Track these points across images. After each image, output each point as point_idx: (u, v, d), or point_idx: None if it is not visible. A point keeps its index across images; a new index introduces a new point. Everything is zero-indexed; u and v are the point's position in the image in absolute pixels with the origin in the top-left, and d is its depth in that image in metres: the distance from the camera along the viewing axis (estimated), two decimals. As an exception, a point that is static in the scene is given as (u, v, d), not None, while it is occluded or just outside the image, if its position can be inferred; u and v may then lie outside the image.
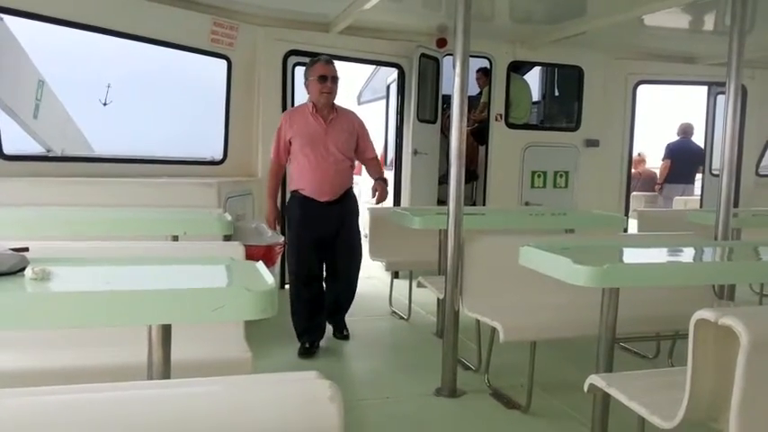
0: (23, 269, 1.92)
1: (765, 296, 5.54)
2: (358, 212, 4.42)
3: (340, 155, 4.13)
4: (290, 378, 1.31)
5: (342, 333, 4.50)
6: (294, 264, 4.26)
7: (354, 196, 4.38)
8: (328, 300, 4.36)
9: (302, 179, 4.14)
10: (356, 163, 4.46)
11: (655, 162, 10.20)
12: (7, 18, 4.89)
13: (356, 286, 4.48)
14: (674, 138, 9.17)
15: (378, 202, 4.38)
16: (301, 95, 6.07)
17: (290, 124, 4.16)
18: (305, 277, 4.21)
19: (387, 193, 4.36)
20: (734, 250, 3.49)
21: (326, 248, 4.24)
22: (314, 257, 4.23)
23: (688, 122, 9.09)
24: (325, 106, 4.13)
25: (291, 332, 4.20)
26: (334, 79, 4.13)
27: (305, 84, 4.23)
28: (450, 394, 3.53)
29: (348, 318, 4.57)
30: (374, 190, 4.32)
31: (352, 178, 4.36)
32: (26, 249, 2.05)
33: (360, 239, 4.41)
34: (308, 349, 4.15)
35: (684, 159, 8.93)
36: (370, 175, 4.48)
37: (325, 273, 4.35)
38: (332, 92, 4.12)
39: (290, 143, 4.15)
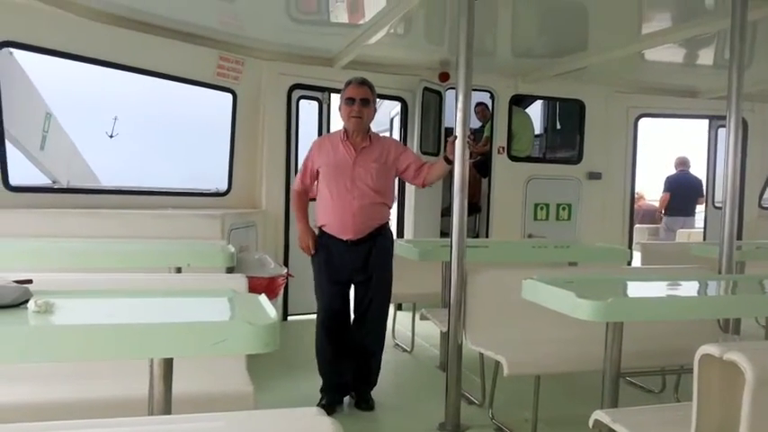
0: (26, 302, 1.92)
1: (772, 329, 5.49)
2: (390, 253, 3.87)
3: (368, 189, 3.68)
4: (292, 415, 1.30)
5: (367, 403, 3.82)
6: (318, 306, 3.86)
7: (388, 235, 3.86)
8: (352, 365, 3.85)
9: (325, 214, 3.76)
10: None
11: (655, 195, 10.24)
12: (16, 52, 4.98)
13: (382, 340, 3.89)
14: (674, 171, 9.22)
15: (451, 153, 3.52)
16: (305, 129, 6.18)
17: (318, 152, 3.82)
18: (328, 321, 3.80)
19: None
20: (738, 284, 3.47)
21: (354, 292, 3.86)
22: (336, 301, 3.78)
23: (684, 156, 9.15)
24: (356, 132, 3.73)
25: (294, 364, 4.17)
26: (365, 102, 3.71)
27: (339, 108, 3.87)
28: (454, 429, 3.48)
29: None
30: (448, 150, 3.59)
31: (386, 216, 3.86)
32: (29, 282, 2.06)
33: (388, 286, 3.85)
34: (325, 407, 3.66)
35: (683, 192, 8.96)
36: (438, 169, 3.79)
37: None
38: (361, 115, 3.70)
39: (318, 172, 3.80)
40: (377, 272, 3.76)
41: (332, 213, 3.72)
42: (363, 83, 3.76)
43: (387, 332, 5.23)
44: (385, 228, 3.84)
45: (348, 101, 3.71)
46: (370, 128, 3.82)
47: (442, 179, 4.20)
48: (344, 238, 3.70)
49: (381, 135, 3.97)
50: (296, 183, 3.98)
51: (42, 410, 2.30)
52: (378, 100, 4.20)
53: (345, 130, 3.77)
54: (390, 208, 3.93)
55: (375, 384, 3.89)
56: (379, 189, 3.74)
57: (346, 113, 3.72)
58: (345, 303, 3.81)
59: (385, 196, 3.80)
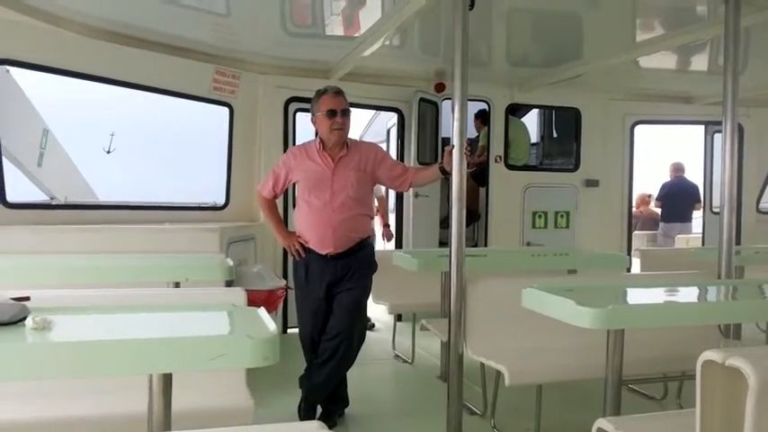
0: (24, 319, 1.91)
1: (773, 334, 5.47)
2: (369, 267, 3.71)
3: (349, 200, 3.54)
4: (293, 429, 1.29)
5: (329, 420, 3.66)
6: (299, 324, 3.79)
7: (369, 249, 3.73)
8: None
9: (304, 228, 3.63)
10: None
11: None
12: (13, 70, 4.99)
13: (348, 365, 3.69)
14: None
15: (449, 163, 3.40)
16: (302, 142, 6.18)
17: (295, 163, 3.66)
18: (309, 340, 3.71)
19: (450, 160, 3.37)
20: (738, 289, 3.47)
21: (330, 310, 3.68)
22: (317, 319, 3.65)
23: (678, 162, 9.18)
24: (336, 144, 3.59)
25: (294, 378, 4.13)
26: (345, 112, 3.57)
27: (312, 120, 3.70)
28: (456, 440, 3.46)
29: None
30: (445, 161, 3.48)
31: (368, 228, 3.74)
32: (27, 299, 2.05)
33: (362, 302, 3.70)
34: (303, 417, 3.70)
35: (679, 198, 8.97)
36: (428, 176, 3.85)
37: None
38: (344, 127, 3.56)
39: (292, 182, 3.72)
40: (348, 286, 3.60)
41: (310, 227, 3.60)
42: (339, 92, 3.62)
43: (387, 344, 5.23)
44: (366, 241, 3.68)
45: (330, 113, 3.53)
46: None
47: (433, 184, 4.09)
48: (324, 253, 3.57)
49: (360, 140, 3.88)
50: (265, 190, 3.79)
51: (41, 428, 2.28)
52: (374, 111, 4.17)
53: (321, 142, 3.62)
54: (372, 219, 3.80)
55: (344, 402, 3.82)
56: (360, 198, 3.61)
57: (327, 126, 3.55)
58: (325, 320, 3.64)
59: (366, 206, 3.71)
